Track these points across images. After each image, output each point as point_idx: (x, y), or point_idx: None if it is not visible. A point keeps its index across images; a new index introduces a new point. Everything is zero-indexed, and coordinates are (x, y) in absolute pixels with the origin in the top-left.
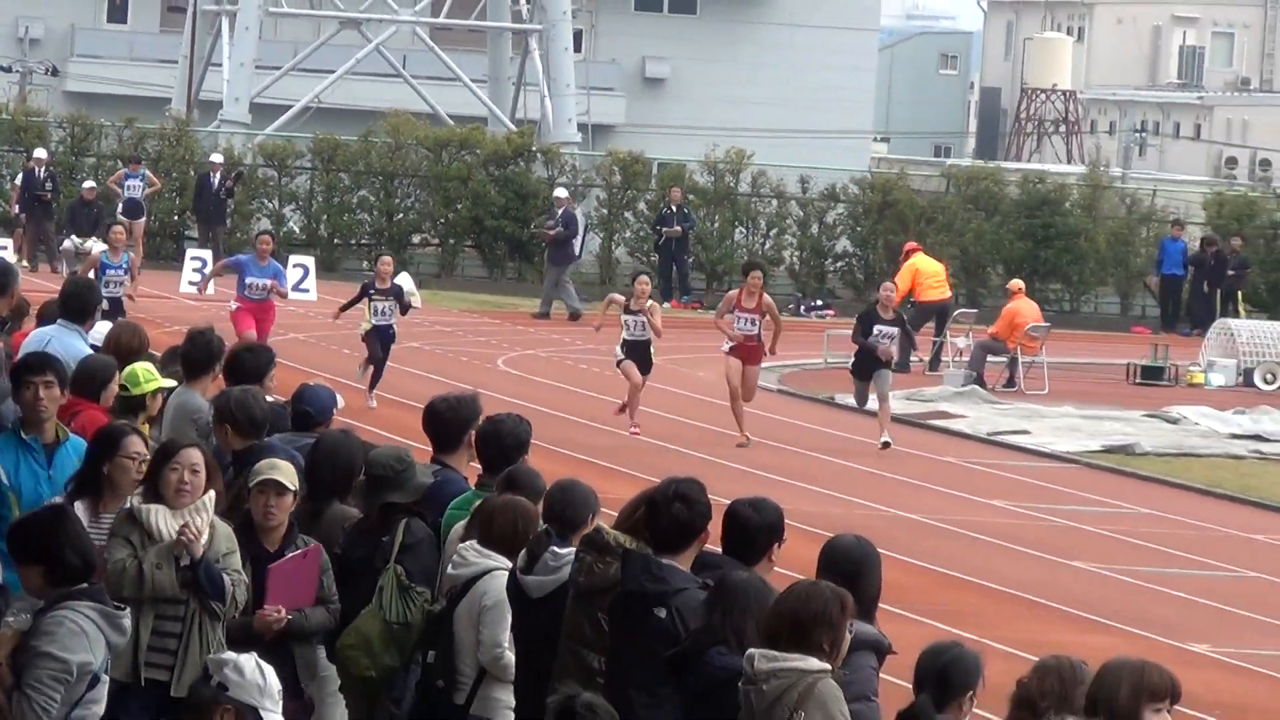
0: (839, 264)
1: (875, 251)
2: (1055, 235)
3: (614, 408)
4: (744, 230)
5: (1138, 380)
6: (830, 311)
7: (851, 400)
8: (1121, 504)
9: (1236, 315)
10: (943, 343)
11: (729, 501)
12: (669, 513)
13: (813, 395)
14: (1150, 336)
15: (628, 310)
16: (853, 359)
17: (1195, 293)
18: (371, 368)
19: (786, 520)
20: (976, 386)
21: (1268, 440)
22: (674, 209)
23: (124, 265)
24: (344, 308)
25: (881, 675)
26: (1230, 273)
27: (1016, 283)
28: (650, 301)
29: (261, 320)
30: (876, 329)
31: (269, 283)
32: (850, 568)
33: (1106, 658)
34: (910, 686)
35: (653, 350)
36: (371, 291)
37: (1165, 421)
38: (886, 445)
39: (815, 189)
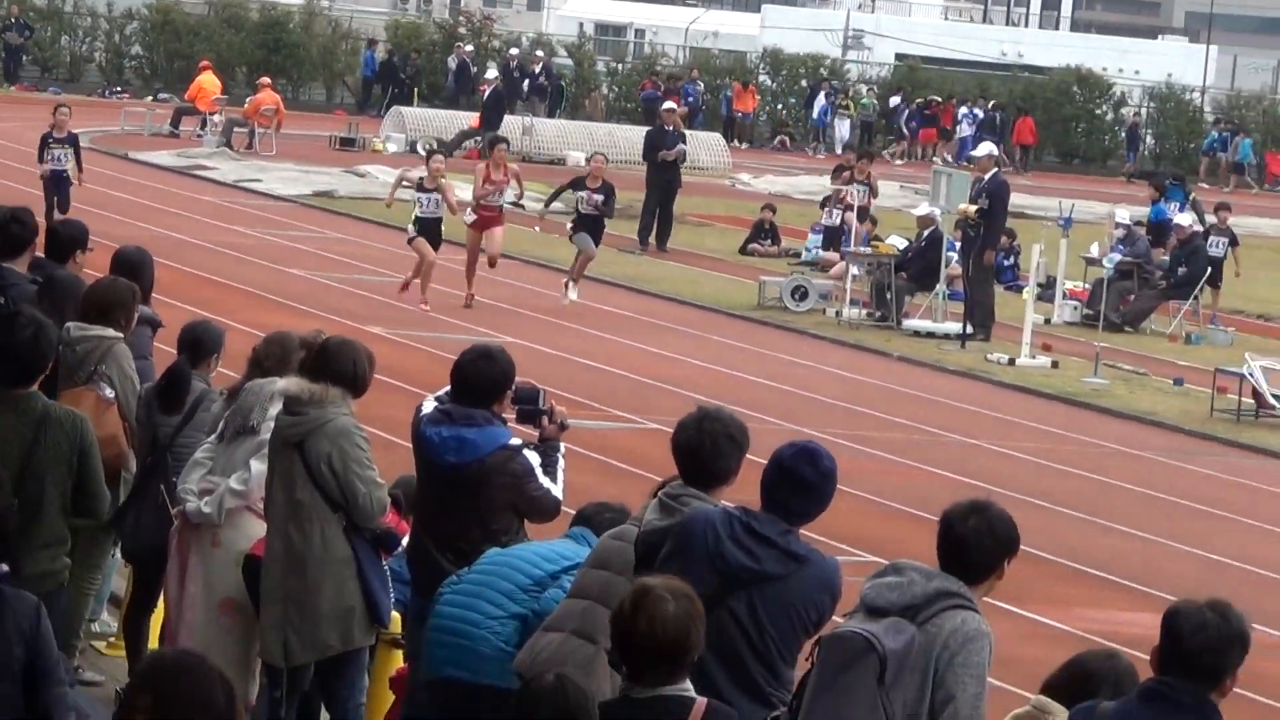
0: (133, 62)
1: (159, 55)
2: (283, 46)
3: (398, 286)
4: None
5: (337, 147)
6: (125, 94)
7: None
8: (324, 231)
9: (410, 105)
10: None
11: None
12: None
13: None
14: (347, 117)
15: (421, 188)
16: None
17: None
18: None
19: None
20: (226, 149)
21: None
22: None
23: None
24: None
25: None
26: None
27: (265, 80)
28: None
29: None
30: (582, 194)
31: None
32: (130, 269)
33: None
34: None
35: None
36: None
37: (355, 176)
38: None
39: (119, 8)
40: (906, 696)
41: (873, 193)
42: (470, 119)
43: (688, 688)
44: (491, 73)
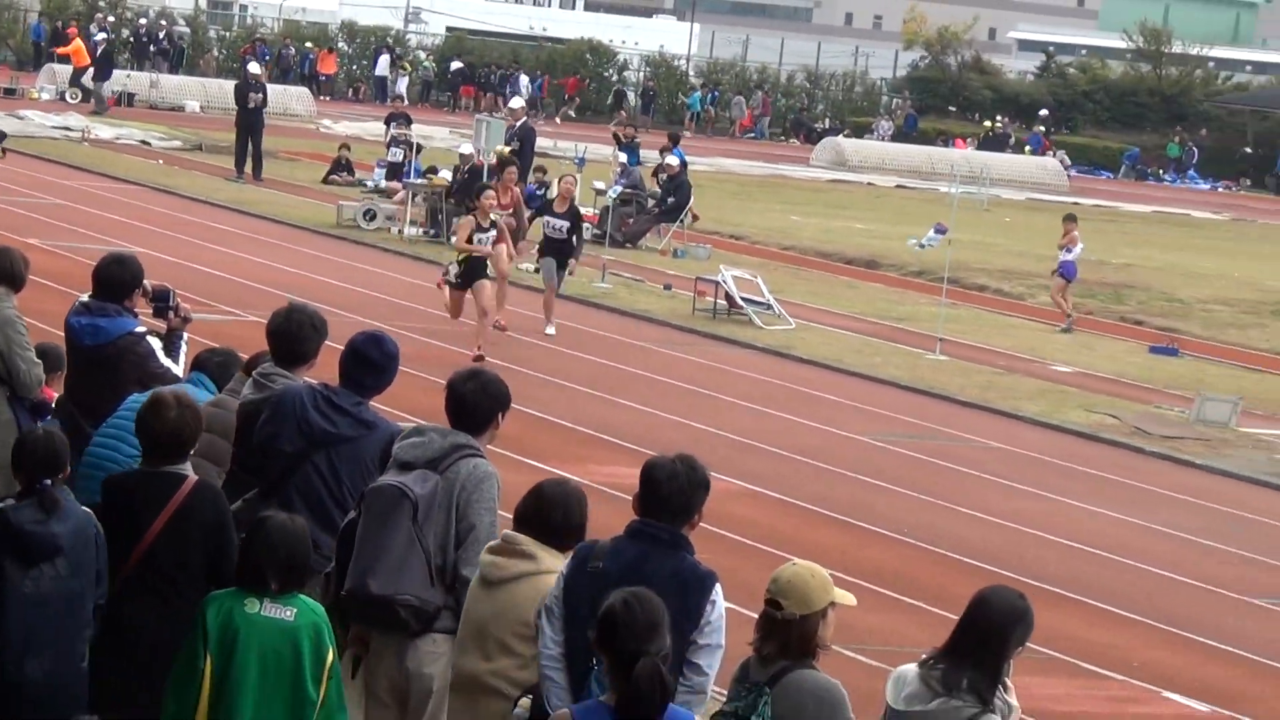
0: None
1: None
2: None
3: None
4: None
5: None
6: None
7: None
8: None
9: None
10: None
11: None
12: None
13: None
14: (10, 72)
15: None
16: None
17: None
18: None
19: None
20: None
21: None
22: None
23: None
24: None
25: None
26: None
27: None
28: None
29: None
30: (548, 220)
31: None
32: None
33: None
34: None
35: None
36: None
37: (16, 118)
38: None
39: None
40: (437, 529)
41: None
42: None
43: (186, 468)
44: (100, 35)
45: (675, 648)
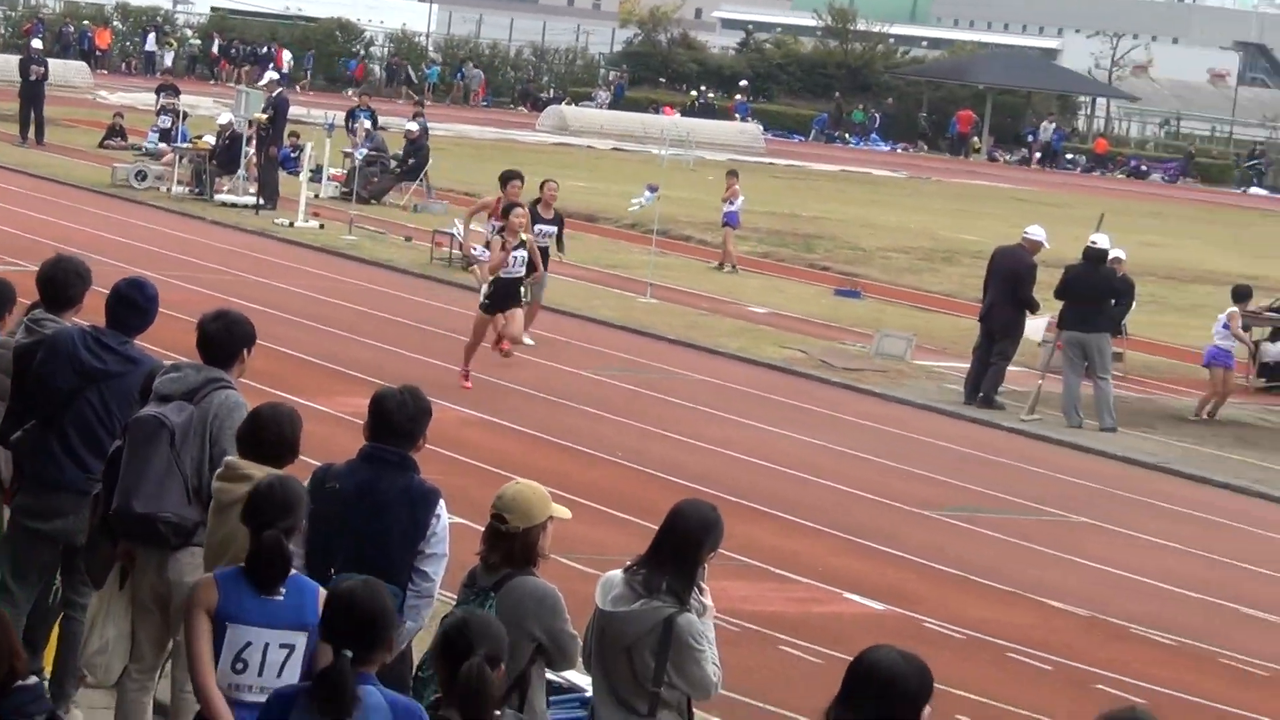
0: None
1: None
2: None
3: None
4: None
5: None
6: None
7: None
8: None
9: None
10: None
11: None
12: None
13: None
14: None
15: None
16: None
17: None
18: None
19: None
20: None
21: None
22: None
23: None
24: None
25: None
26: None
27: None
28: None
29: None
30: (536, 228)
31: None
32: None
33: None
34: None
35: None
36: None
37: None
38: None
39: None
40: (192, 454)
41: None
42: None
43: None
44: None
45: (404, 559)
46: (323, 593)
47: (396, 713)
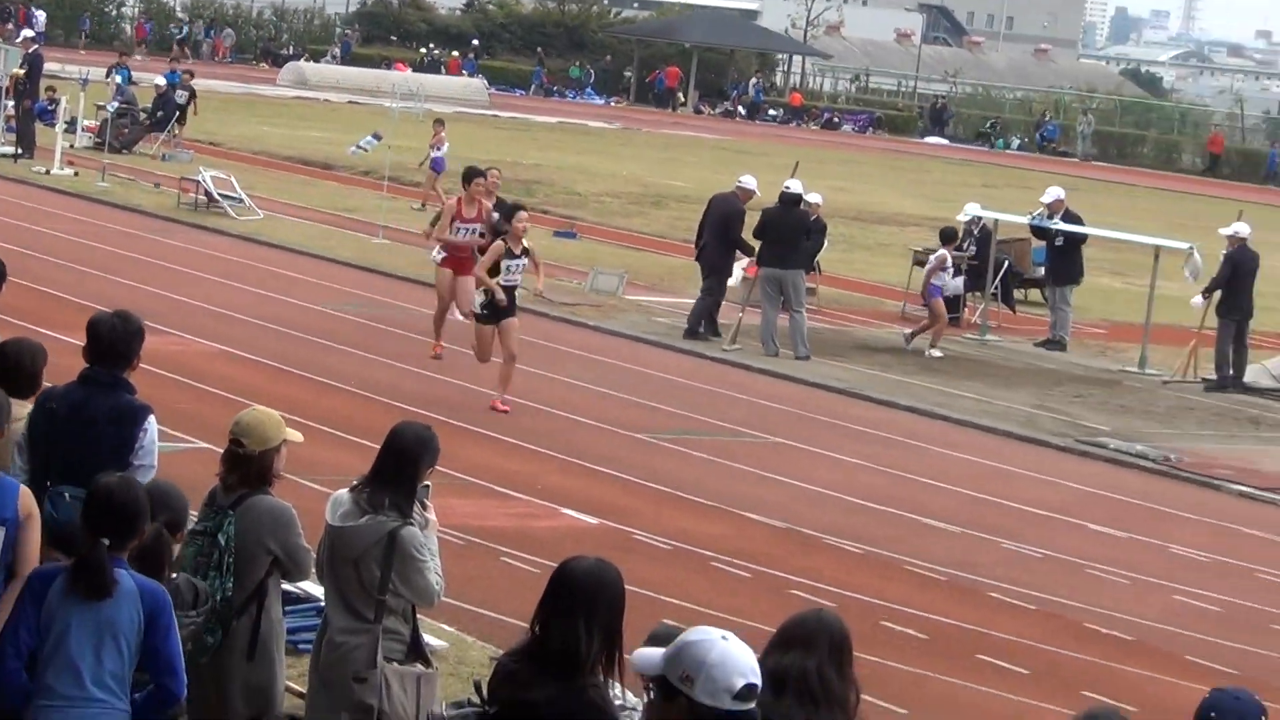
0: None
1: None
2: None
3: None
4: None
5: None
6: None
7: None
8: None
9: None
10: None
11: None
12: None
13: None
14: None
15: (508, 254)
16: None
17: None
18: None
19: None
20: None
21: None
22: None
23: None
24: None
25: None
26: None
27: None
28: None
29: None
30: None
31: None
32: None
33: None
34: None
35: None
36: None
37: None
38: None
39: None
40: None
41: None
42: None
43: None
44: None
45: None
46: (23, 490)
47: (143, 593)
